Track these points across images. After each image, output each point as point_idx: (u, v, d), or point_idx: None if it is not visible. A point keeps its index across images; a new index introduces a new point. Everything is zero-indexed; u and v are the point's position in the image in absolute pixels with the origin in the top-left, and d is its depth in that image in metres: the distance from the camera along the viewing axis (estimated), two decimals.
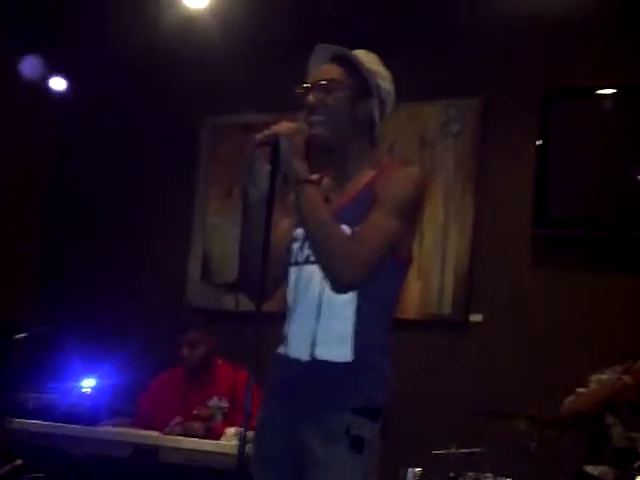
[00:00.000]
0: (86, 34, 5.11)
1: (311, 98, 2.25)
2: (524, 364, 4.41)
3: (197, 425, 3.76)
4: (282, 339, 2.26)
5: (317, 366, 2.15)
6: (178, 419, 3.93)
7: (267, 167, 2.11)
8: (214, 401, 3.88)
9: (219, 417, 3.81)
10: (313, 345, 2.15)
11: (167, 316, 5.29)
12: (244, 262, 2.28)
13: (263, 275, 2.02)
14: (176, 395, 4.10)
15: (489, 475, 3.59)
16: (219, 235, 5.32)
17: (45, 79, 5.56)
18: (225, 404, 3.85)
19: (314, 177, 2.16)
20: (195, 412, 3.92)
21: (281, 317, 2.29)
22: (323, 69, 2.29)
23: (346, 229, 2.14)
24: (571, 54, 4.59)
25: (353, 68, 2.27)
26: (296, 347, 2.19)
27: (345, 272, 2.07)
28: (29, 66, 5.29)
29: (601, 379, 3.63)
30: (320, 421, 2.11)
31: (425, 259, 4.70)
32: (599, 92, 4.54)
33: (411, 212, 2.21)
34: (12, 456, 3.71)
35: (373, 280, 2.11)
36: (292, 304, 2.24)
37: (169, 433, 3.72)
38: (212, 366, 4.08)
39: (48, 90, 5.61)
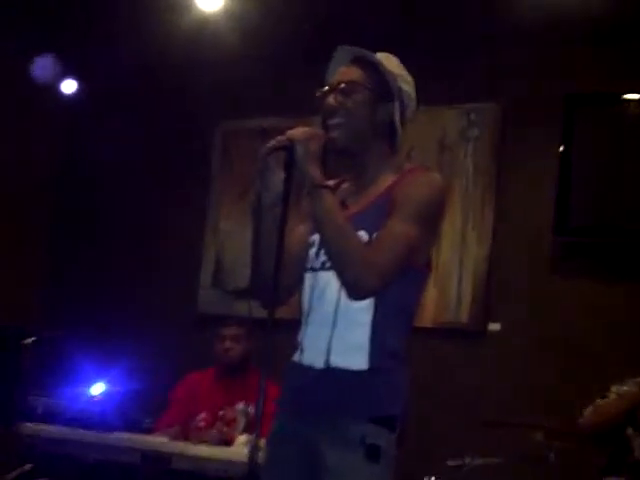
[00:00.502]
0: (99, 37, 5.09)
1: (330, 101, 2.21)
2: (543, 374, 4.36)
3: (212, 435, 3.75)
4: (297, 346, 2.22)
5: (332, 374, 2.11)
6: (203, 415, 3.95)
7: (281, 172, 2.08)
8: (241, 406, 3.88)
9: (243, 422, 3.80)
10: (328, 353, 2.12)
11: (178, 322, 5.28)
12: (256, 268, 2.23)
13: (276, 281, 1.98)
14: (206, 392, 4.12)
15: None
16: (231, 241, 5.28)
17: (57, 81, 5.55)
18: (252, 410, 3.82)
19: (331, 182, 2.13)
20: (221, 413, 3.93)
21: (294, 324, 2.25)
22: (343, 71, 2.25)
23: (364, 235, 2.11)
24: (593, 58, 4.54)
25: (374, 70, 2.23)
26: (311, 354, 2.16)
27: (361, 279, 2.03)
28: (42, 68, 5.29)
29: (621, 390, 3.57)
30: (335, 430, 2.08)
31: (442, 266, 4.65)
32: (622, 97, 4.47)
33: (431, 219, 2.17)
34: (22, 460, 3.73)
35: (391, 287, 2.07)
36: (307, 311, 2.21)
37: (189, 433, 3.74)
38: (246, 370, 4.05)
39: (59, 92, 5.60)
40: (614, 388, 3.60)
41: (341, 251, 2.05)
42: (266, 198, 2.12)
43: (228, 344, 4.08)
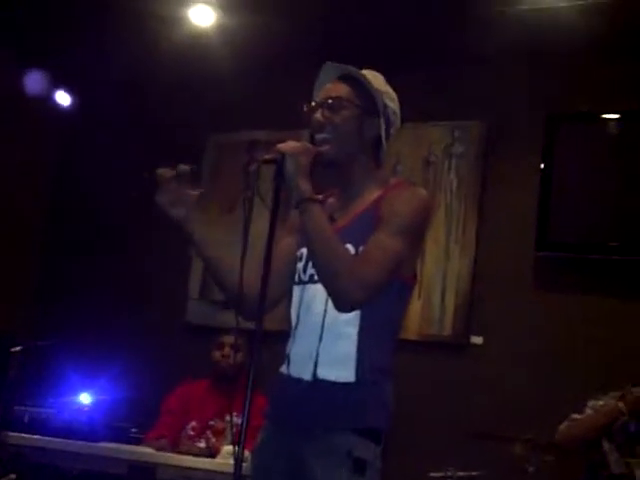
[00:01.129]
0: (90, 50, 5.11)
1: (318, 116, 2.25)
2: (524, 387, 4.38)
3: (199, 446, 3.77)
4: (284, 358, 2.24)
5: (319, 386, 2.13)
6: (193, 424, 3.96)
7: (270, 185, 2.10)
8: (230, 417, 3.90)
9: (231, 434, 3.82)
10: (315, 365, 2.14)
11: (167, 332, 5.29)
12: (224, 283, 2.27)
13: (263, 292, 2.00)
14: (198, 402, 4.14)
15: None
16: (220, 250, 5.27)
17: (48, 94, 5.57)
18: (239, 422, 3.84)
19: (318, 197, 2.15)
20: (211, 423, 3.95)
21: (281, 336, 2.27)
22: (331, 87, 2.28)
23: (350, 248, 2.14)
24: (575, 78, 4.60)
25: (361, 87, 2.26)
26: (298, 366, 2.18)
27: (349, 290, 2.05)
28: (32, 81, 5.30)
29: (597, 405, 3.61)
30: (322, 442, 2.10)
31: (426, 280, 4.69)
32: (603, 116, 4.54)
33: (416, 233, 2.20)
34: (6, 470, 3.69)
35: (377, 300, 2.10)
36: (295, 323, 2.23)
37: (177, 444, 3.74)
38: (239, 381, 4.06)
39: (51, 105, 5.62)
40: (590, 403, 3.64)
41: (328, 263, 2.07)
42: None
43: (227, 351, 4.13)
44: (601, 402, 3.58)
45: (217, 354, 4.18)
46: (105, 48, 5.04)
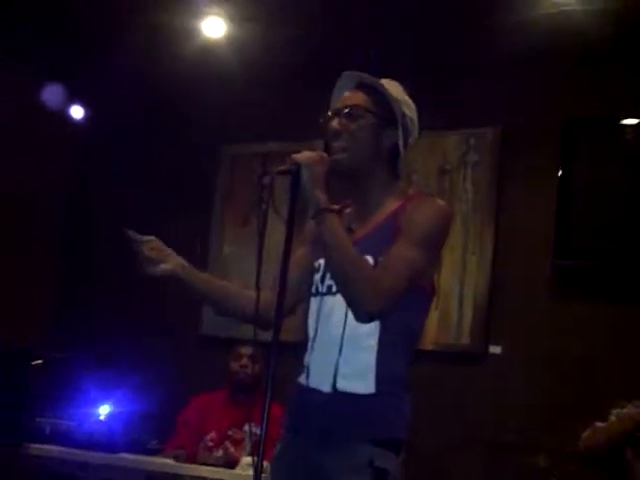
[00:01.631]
0: (104, 62, 5.13)
1: (335, 124, 2.24)
2: (544, 397, 4.35)
3: (217, 456, 3.77)
4: (302, 369, 2.25)
5: (339, 398, 2.13)
6: (212, 435, 3.97)
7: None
8: (249, 427, 3.88)
9: (250, 444, 3.81)
10: (335, 376, 2.14)
11: (183, 344, 5.30)
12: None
13: (280, 303, 2.00)
14: (215, 412, 4.16)
15: None
16: (235, 265, 5.29)
17: (63, 108, 5.60)
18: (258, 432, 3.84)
19: (335, 207, 2.15)
20: (230, 433, 3.96)
21: (296, 346, 2.27)
22: (348, 96, 2.28)
23: (369, 259, 2.13)
24: (592, 83, 4.57)
25: (379, 96, 2.26)
26: (317, 378, 2.18)
27: (368, 300, 2.04)
28: (50, 94, 5.34)
29: (621, 414, 3.58)
30: (342, 453, 2.09)
31: (444, 289, 4.66)
32: (621, 122, 4.51)
33: (436, 244, 2.21)
34: None
35: (396, 311, 2.09)
36: (313, 335, 2.23)
37: (196, 454, 3.75)
38: (257, 392, 4.05)
39: (66, 118, 5.65)
40: (614, 411, 3.61)
41: (347, 273, 2.06)
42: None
43: (245, 361, 4.16)
44: (625, 410, 3.56)
45: (235, 365, 4.20)
46: (117, 62, 5.05)
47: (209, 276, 2.38)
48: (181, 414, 4.23)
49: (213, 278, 2.38)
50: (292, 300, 2.23)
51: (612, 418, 3.56)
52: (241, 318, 2.32)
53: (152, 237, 2.30)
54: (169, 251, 2.31)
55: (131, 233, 2.26)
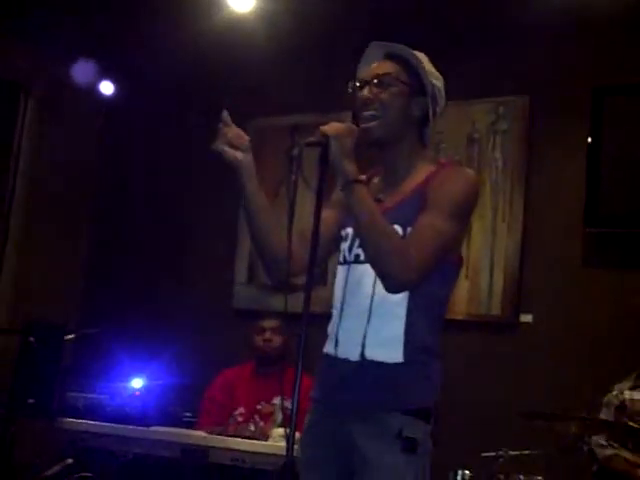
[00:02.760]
0: (133, 38, 5.15)
1: (365, 93, 2.24)
2: (575, 365, 4.34)
3: (248, 430, 3.79)
4: (327, 338, 2.25)
5: (367, 367, 2.14)
6: (241, 410, 3.99)
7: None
8: (279, 400, 3.90)
9: (280, 417, 3.83)
10: (363, 345, 2.14)
11: (215, 318, 5.33)
12: (263, 247, 2.28)
13: (310, 273, 2.00)
14: (243, 387, 4.18)
15: (539, 478, 3.55)
16: None
17: (95, 83, 5.62)
18: (289, 406, 3.85)
19: (363, 178, 2.14)
20: (258, 407, 3.97)
21: (325, 318, 2.27)
22: (378, 65, 2.28)
23: (398, 229, 2.13)
24: (622, 50, 4.51)
25: (408, 66, 2.25)
26: (346, 347, 2.18)
27: (400, 271, 2.04)
28: (81, 70, 5.35)
29: None
30: (371, 423, 2.10)
31: (474, 259, 4.66)
32: None
33: (465, 215, 2.20)
34: (63, 455, 3.77)
35: (425, 281, 2.09)
36: (341, 304, 2.23)
37: (227, 429, 3.77)
38: (283, 364, 4.07)
39: (96, 96, 5.67)
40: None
41: (378, 244, 2.05)
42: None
43: (268, 335, 4.17)
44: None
45: (258, 339, 4.21)
46: (145, 37, 5.06)
47: (263, 192, 2.29)
48: (207, 390, 4.25)
49: (267, 206, 2.29)
50: (317, 260, 2.18)
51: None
52: (267, 251, 2.26)
53: (241, 132, 2.24)
54: (248, 149, 2.24)
55: (225, 115, 2.21)
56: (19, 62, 5.30)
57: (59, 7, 4.89)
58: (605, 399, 3.81)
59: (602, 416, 3.73)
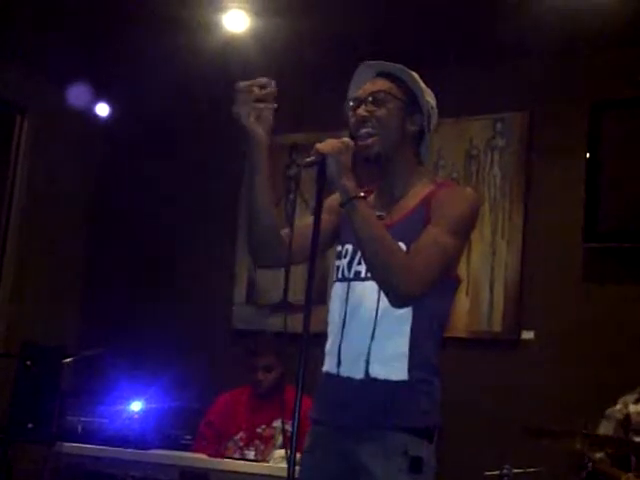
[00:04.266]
0: (128, 59, 5.15)
1: (361, 111, 2.24)
2: (576, 381, 4.32)
3: (249, 454, 3.78)
4: (326, 357, 2.23)
5: (372, 385, 2.12)
6: (241, 435, 3.95)
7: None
8: (279, 423, 3.85)
9: (280, 439, 3.79)
10: (367, 363, 2.13)
11: (214, 338, 5.31)
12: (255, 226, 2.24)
13: (308, 299, 1.98)
14: (242, 411, 4.12)
15: None
16: None
17: (89, 105, 5.62)
18: (288, 427, 3.81)
19: (362, 193, 2.13)
20: (259, 430, 3.93)
21: (321, 337, 2.24)
22: (371, 84, 2.28)
23: (402, 246, 2.13)
24: (620, 65, 4.51)
25: (400, 83, 2.27)
26: (349, 365, 2.16)
27: (405, 285, 2.04)
28: (75, 93, 5.36)
29: None
30: (377, 442, 2.09)
31: (474, 276, 4.65)
32: None
33: (466, 232, 2.22)
34: (62, 479, 3.74)
35: (427, 297, 2.09)
36: (341, 321, 2.21)
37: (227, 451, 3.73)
38: (282, 389, 3.99)
39: (91, 116, 5.67)
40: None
41: (383, 259, 2.05)
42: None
43: (260, 376, 4.04)
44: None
45: (252, 376, 4.10)
46: (141, 59, 5.06)
47: (268, 182, 2.23)
48: (206, 415, 4.19)
49: (269, 188, 2.23)
50: (299, 257, 2.17)
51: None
52: (255, 229, 2.23)
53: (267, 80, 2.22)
54: (266, 119, 2.19)
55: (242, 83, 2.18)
56: (15, 84, 5.30)
57: (55, 30, 4.89)
58: (607, 412, 3.77)
59: (601, 429, 3.70)
